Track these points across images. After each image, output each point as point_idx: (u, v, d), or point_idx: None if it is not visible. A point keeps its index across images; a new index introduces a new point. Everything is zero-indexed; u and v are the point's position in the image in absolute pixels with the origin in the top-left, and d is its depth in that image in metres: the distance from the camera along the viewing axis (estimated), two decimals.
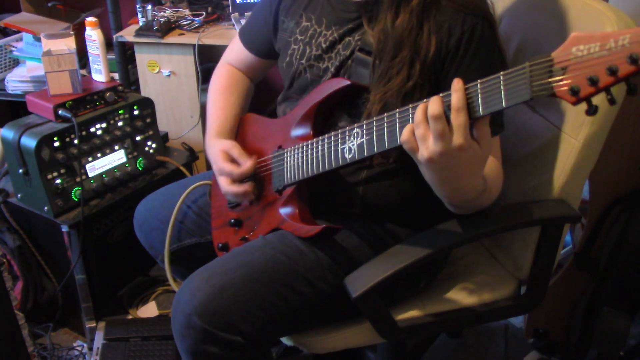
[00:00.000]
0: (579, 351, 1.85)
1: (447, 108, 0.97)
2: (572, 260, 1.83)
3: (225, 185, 1.36)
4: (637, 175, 1.75)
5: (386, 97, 1.15)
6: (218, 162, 1.37)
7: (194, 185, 1.51)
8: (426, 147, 0.98)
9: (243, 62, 1.56)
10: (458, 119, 0.96)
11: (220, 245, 1.44)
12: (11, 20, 2.76)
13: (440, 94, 0.99)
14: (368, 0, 1.23)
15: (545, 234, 1.30)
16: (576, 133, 1.25)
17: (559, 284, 1.84)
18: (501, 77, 0.92)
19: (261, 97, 1.64)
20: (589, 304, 1.80)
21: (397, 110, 1.05)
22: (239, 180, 1.34)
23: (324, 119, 1.28)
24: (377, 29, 1.20)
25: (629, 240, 1.74)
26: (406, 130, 1.00)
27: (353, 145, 1.13)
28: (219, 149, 1.39)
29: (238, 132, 1.49)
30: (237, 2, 2.50)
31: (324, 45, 1.29)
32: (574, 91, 0.85)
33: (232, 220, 1.42)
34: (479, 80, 0.95)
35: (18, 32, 2.74)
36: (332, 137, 1.18)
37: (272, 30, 1.44)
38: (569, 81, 0.85)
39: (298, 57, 1.34)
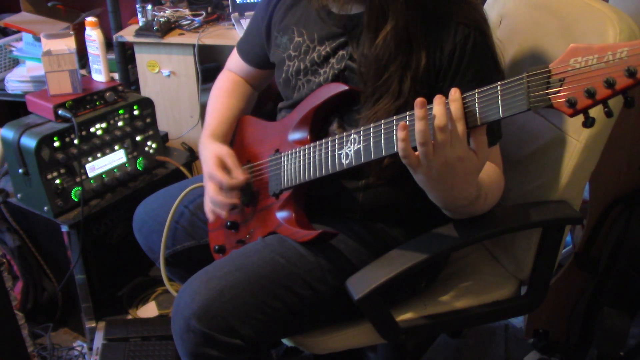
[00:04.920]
0: (579, 351, 1.85)
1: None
2: (572, 260, 1.83)
3: (211, 192, 1.35)
4: (637, 175, 1.75)
5: (377, 116, 1.14)
6: (210, 166, 1.36)
7: (190, 188, 1.50)
8: (428, 161, 0.98)
9: (243, 72, 1.56)
10: (456, 129, 0.96)
11: (216, 247, 1.44)
12: (11, 20, 2.75)
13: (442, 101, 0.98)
14: (351, 17, 1.23)
15: (546, 236, 1.30)
16: (577, 134, 1.25)
17: (559, 284, 1.84)
18: (499, 88, 0.92)
19: (259, 95, 1.64)
20: (589, 304, 1.80)
21: (395, 117, 1.05)
22: (227, 190, 1.34)
23: (321, 124, 1.28)
24: (358, 53, 1.20)
25: (629, 240, 1.74)
26: (403, 147, 0.99)
27: (350, 151, 1.13)
28: (213, 153, 1.38)
29: (236, 134, 1.49)
30: (237, 2, 2.50)
31: (317, 60, 1.29)
32: (571, 103, 0.85)
33: (229, 223, 1.42)
34: (476, 90, 0.95)
35: (18, 32, 2.74)
36: (329, 143, 1.17)
37: (265, 43, 1.44)
38: (566, 93, 0.85)
39: (294, 73, 1.33)
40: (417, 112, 0.97)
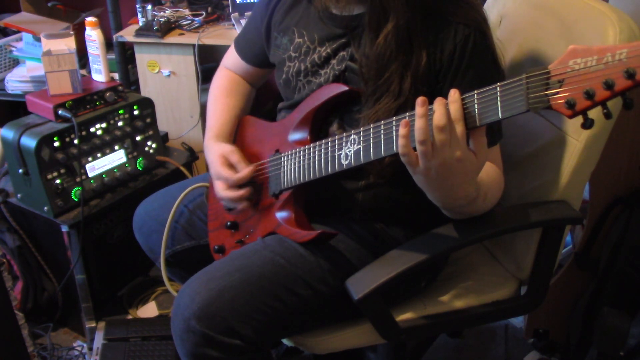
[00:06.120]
0: (579, 351, 1.85)
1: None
2: (572, 260, 1.83)
3: (221, 189, 1.35)
4: (637, 175, 1.75)
5: (377, 115, 1.15)
6: (216, 166, 1.37)
7: (190, 188, 1.50)
8: (427, 160, 0.98)
9: (240, 69, 1.56)
10: (455, 130, 0.96)
11: (216, 247, 1.44)
12: (11, 20, 2.75)
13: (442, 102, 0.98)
14: (352, 17, 1.23)
15: (546, 236, 1.30)
16: (577, 134, 1.25)
17: (559, 284, 1.84)
18: (498, 89, 0.93)
19: (258, 95, 1.64)
20: (589, 304, 1.80)
21: (394, 118, 1.05)
22: (235, 185, 1.34)
23: (321, 124, 1.28)
24: (360, 53, 1.20)
25: (629, 240, 1.74)
26: (403, 144, 0.99)
27: (350, 151, 1.13)
28: (218, 153, 1.38)
29: (236, 135, 1.49)
30: (237, 2, 2.50)
31: (318, 61, 1.29)
32: (570, 104, 0.85)
33: (229, 223, 1.42)
34: (475, 91, 0.95)
35: (18, 32, 2.74)
36: (329, 143, 1.17)
37: (265, 43, 1.44)
38: (565, 94, 0.85)
39: (294, 74, 1.33)
40: (418, 109, 0.97)
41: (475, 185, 1.07)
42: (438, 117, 0.96)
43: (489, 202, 1.17)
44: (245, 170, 1.33)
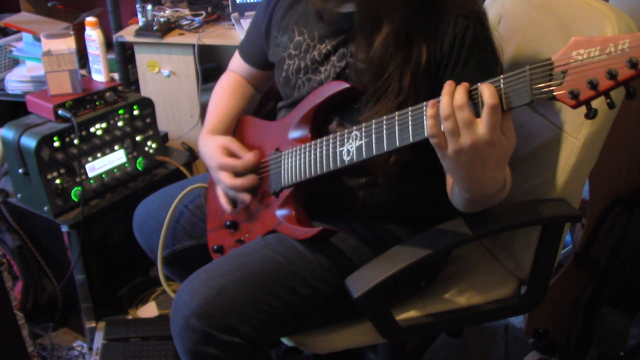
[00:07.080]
0: (579, 351, 1.85)
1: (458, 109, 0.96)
2: (572, 260, 1.83)
3: (227, 179, 1.34)
4: (637, 175, 1.75)
5: (379, 116, 1.14)
6: (217, 157, 1.36)
7: (189, 188, 1.50)
8: (455, 140, 0.97)
9: (244, 73, 1.56)
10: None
11: (215, 247, 1.44)
12: (11, 20, 2.76)
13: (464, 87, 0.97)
14: (353, 14, 1.23)
15: (546, 234, 1.30)
16: (577, 132, 1.25)
17: (559, 284, 1.84)
18: (501, 81, 0.93)
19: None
20: (589, 304, 1.80)
21: (397, 113, 1.05)
22: (241, 173, 1.33)
23: (322, 122, 1.28)
24: (357, 57, 1.20)
25: (629, 240, 1.74)
26: (431, 124, 0.98)
27: (352, 147, 1.13)
28: (216, 145, 1.38)
29: (235, 134, 1.49)
30: (237, 2, 2.50)
31: (318, 59, 1.29)
32: (573, 94, 0.86)
33: (228, 223, 1.42)
34: (479, 84, 0.95)
35: (18, 32, 2.74)
36: (331, 140, 1.17)
37: (264, 43, 1.44)
38: (569, 85, 0.86)
39: (294, 72, 1.33)
40: (445, 89, 0.97)
41: (504, 173, 1.06)
42: (457, 97, 0.95)
43: (506, 193, 1.15)
44: (250, 155, 1.33)
